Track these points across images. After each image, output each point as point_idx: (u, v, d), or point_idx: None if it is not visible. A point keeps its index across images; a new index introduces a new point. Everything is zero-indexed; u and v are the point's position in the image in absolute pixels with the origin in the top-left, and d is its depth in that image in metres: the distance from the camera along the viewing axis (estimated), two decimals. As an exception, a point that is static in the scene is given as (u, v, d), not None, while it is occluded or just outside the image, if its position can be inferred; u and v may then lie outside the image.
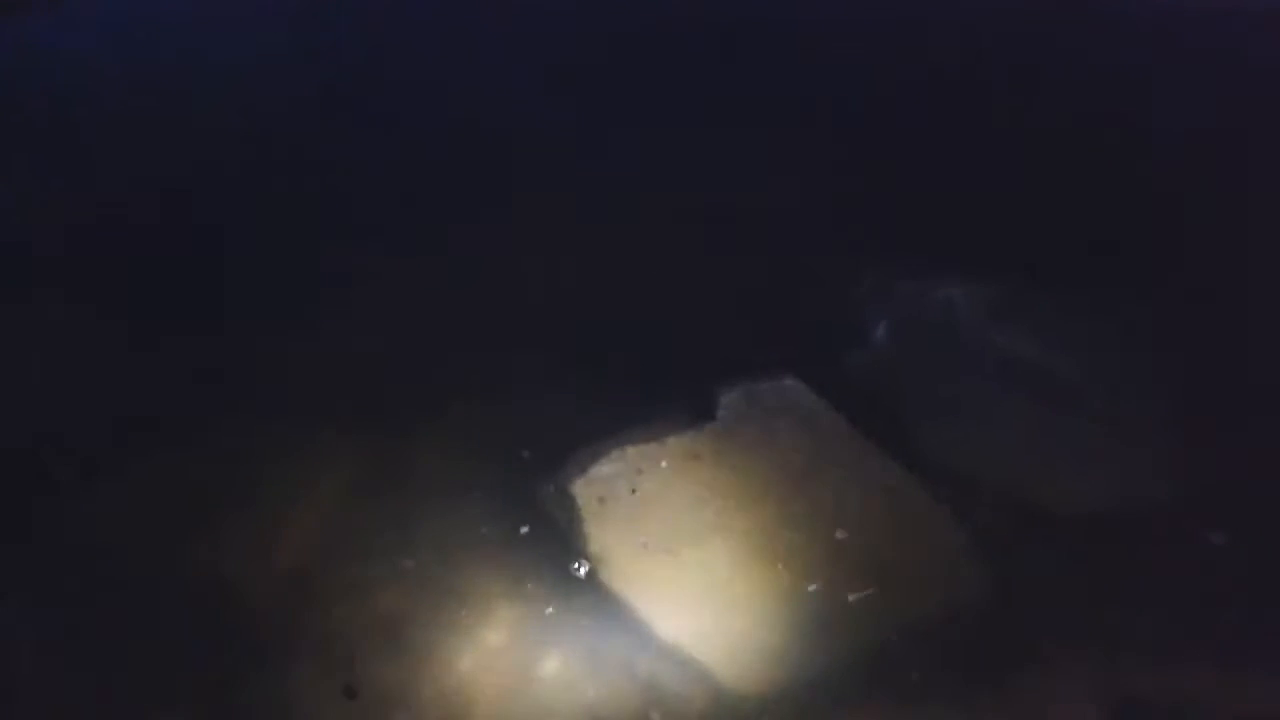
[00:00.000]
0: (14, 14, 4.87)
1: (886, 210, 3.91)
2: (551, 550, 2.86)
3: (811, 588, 2.78)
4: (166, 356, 3.41)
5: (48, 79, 4.57)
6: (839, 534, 2.89)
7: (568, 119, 4.36)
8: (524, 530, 2.90)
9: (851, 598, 2.76)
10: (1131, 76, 4.52)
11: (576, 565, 2.82)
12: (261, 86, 4.53)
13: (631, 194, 3.99)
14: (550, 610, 2.75)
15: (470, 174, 4.10)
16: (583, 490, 2.96)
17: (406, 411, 3.22)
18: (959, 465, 3.08)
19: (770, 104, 4.43)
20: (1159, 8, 4.88)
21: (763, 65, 4.64)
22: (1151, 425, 3.23)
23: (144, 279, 3.69)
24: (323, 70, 4.63)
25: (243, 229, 3.92)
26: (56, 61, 4.64)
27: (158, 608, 2.75)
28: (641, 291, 3.63)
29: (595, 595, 2.78)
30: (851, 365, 3.38)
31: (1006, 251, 3.78)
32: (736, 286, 3.67)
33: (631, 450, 3.05)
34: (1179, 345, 3.47)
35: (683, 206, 3.92)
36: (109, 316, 3.53)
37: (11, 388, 3.34)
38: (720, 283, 3.68)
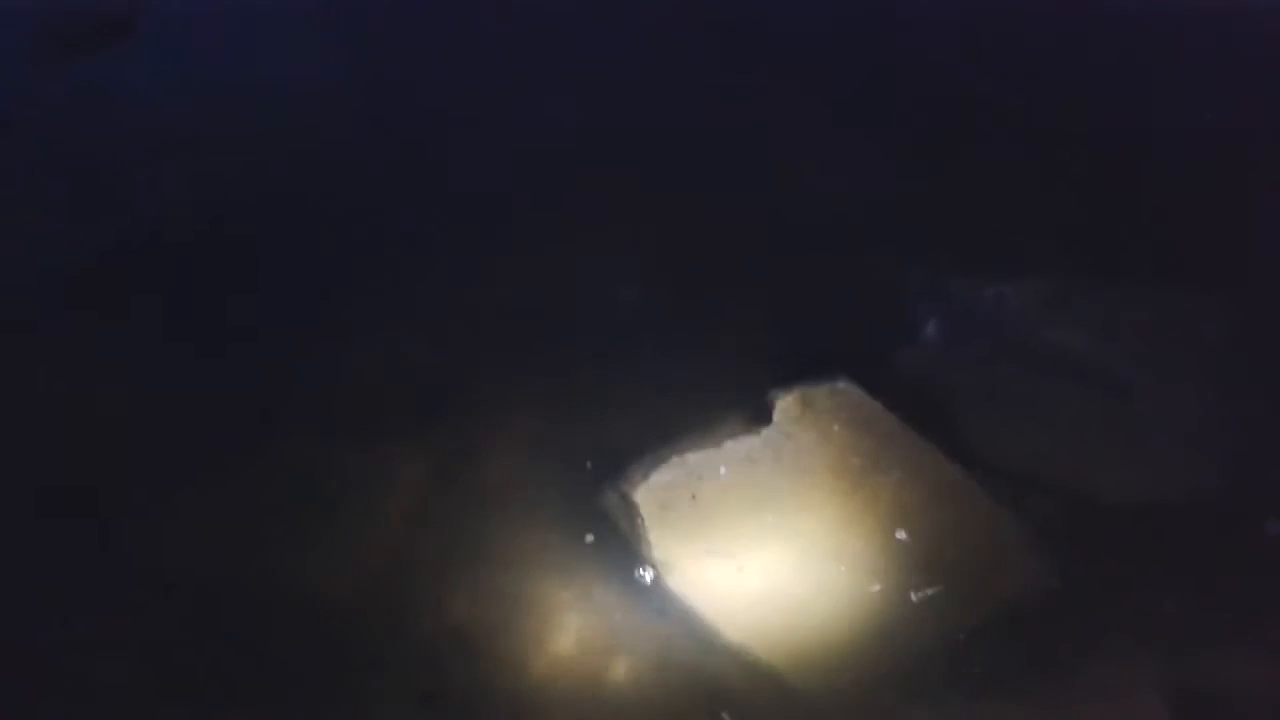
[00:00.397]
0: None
1: (932, 211, 3.90)
2: (617, 558, 2.93)
3: (875, 588, 2.83)
4: (225, 372, 3.49)
5: (96, 113, 4.63)
6: (900, 534, 2.93)
7: (608, 124, 4.38)
8: (590, 539, 2.97)
9: (914, 596, 2.81)
10: (1131, 76, 4.46)
11: (642, 571, 2.89)
12: (306, 112, 4.55)
13: (669, 193, 3.97)
14: (618, 616, 2.83)
15: (509, 185, 4.13)
16: (645, 498, 3.03)
17: (469, 427, 3.29)
18: (1015, 462, 3.11)
19: (791, 106, 4.41)
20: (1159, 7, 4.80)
21: (772, 67, 4.60)
22: (1205, 416, 3.23)
23: (199, 300, 3.74)
24: (377, 105, 4.63)
25: (284, 248, 3.96)
26: (104, 95, 4.70)
27: (238, 619, 2.86)
28: (688, 299, 3.67)
29: (661, 600, 2.84)
30: (903, 364, 3.40)
31: (1056, 248, 3.76)
32: (784, 290, 3.69)
33: (690, 457, 3.11)
34: (1230, 337, 3.45)
35: (727, 210, 3.94)
36: (174, 339, 3.60)
37: (75, 407, 3.41)
38: (768, 287, 3.70)
